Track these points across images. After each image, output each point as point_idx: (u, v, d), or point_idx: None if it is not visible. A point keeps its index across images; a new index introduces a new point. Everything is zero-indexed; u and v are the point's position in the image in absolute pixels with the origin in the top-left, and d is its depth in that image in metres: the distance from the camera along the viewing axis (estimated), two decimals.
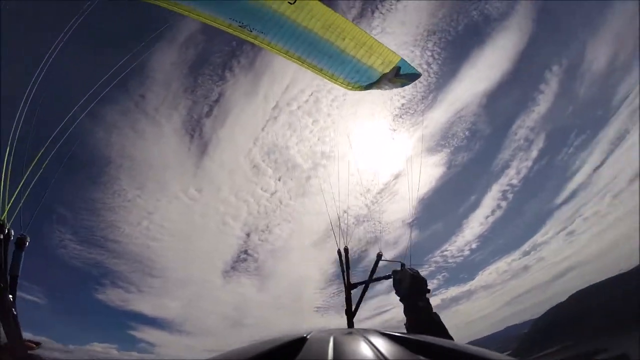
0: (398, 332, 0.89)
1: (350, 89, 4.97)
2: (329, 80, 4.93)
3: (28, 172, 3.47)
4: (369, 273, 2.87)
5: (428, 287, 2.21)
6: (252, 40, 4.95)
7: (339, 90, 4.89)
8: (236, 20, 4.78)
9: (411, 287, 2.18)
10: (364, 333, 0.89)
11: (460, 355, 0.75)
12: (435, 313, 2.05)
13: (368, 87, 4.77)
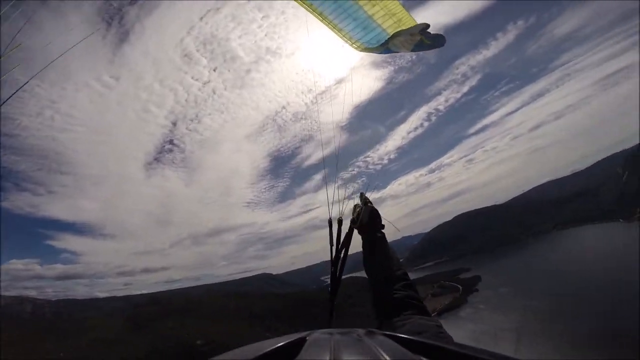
0: (399, 333, 0.87)
1: (364, 51, 4.65)
2: (342, 39, 4.55)
3: None
4: (344, 242, 2.18)
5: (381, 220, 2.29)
6: None
7: None
8: None
9: (369, 222, 2.21)
10: (364, 333, 0.89)
11: (463, 357, 0.74)
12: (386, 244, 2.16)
13: (384, 46, 4.53)
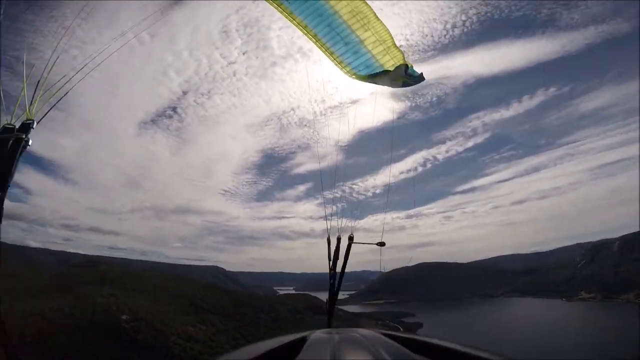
0: (400, 333, 0.86)
1: (353, 78, 4.88)
2: (334, 63, 4.77)
3: None
4: (343, 261, 2.40)
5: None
6: (270, 2, 4.59)
7: None
8: None
9: None
10: (365, 333, 0.89)
11: (463, 356, 0.73)
12: None
13: (371, 78, 4.79)
